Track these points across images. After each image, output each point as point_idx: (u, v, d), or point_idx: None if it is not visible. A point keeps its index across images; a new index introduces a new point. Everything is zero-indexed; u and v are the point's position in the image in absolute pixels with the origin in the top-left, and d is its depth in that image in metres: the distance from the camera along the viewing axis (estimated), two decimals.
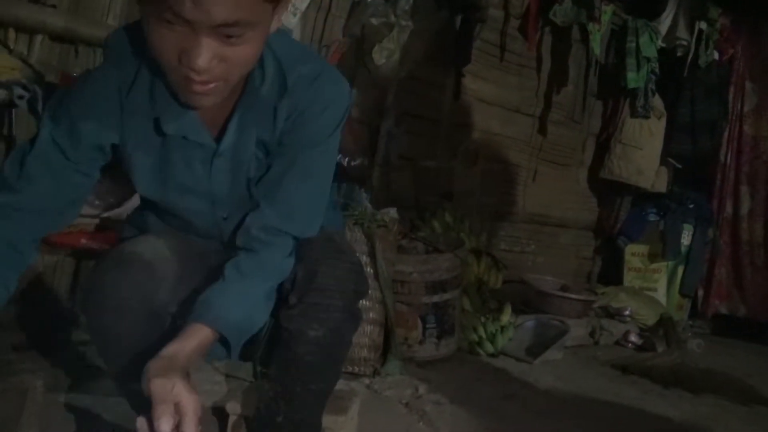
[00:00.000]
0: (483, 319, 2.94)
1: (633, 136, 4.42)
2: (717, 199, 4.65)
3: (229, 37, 0.93)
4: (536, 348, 2.97)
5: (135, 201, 1.44)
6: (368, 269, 2.35)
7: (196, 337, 1.04)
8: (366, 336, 2.36)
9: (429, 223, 3.41)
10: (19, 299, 2.08)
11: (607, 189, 4.73)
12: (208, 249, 1.30)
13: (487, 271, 3.46)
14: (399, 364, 2.40)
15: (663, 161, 4.59)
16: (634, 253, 4.61)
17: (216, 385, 1.80)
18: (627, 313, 3.77)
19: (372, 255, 2.36)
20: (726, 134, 4.63)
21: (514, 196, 4.27)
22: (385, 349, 2.44)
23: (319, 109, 1.15)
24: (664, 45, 4.34)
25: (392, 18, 3.05)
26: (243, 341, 1.12)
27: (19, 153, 1.11)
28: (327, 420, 1.41)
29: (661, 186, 4.65)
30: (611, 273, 4.74)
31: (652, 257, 4.51)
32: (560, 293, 3.46)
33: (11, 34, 2.26)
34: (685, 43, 4.34)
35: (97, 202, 2.10)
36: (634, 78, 4.20)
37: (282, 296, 1.19)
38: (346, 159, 2.70)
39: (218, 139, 1.16)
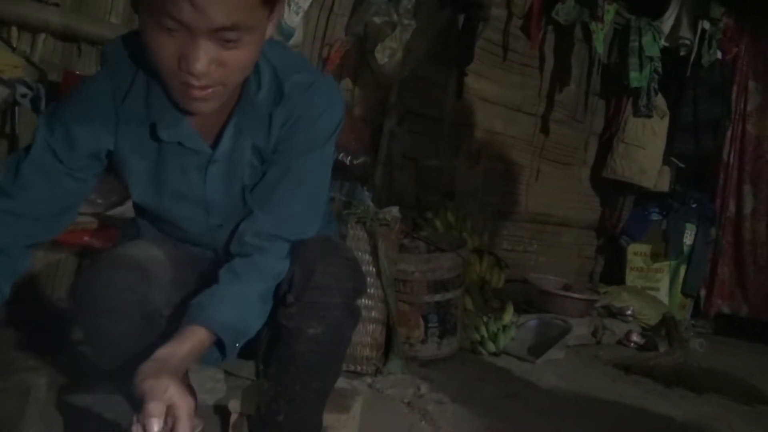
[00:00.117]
0: (485, 319, 2.94)
1: (636, 136, 4.41)
2: (720, 198, 4.65)
3: (227, 41, 0.95)
4: (538, 347, 2.97)
5: None
6: (370, 268, 2.35)
7: (190, 339, 1.04)
8: (368, 335, 2.36)
9: (431, 222, 3.41)
10: (22, 298, 2.08)
11: (609, 188, 4.73)
12: (202, 257, 1.31)
13: (490, 270, 3.46)
14: (401, 363, 2.40)
15: (666, 160, 4.59)
16: (636, 253, 4.61)
17: (218, 384, 1.80)
18: (629, 312, 3.77)
19: (374, 254, 2.36)
20: (729, 133, 4.62)
21: (517, 196, 4.27)
22: (387, 348, 2.44)
23: (313, 116, 1.16)
24: (667, 44, 4.34)
25: (395, 17, 3.04)
26: (239, 343, 1.12)
27: (14, 159, 1.12)
28: (329, 418, 1.41)
29: (664, 185, 4.65)
30: (613, 272, 4.74)
31: (655, 257, 4.51)
32: (562, 292, 3.45)
33: (14, 32, 2.26)
34: (688, 42, 4.34)
35: (99, 201, 2.10)
36: (636, 77, 4.20)
37: (279, 297, 1.19)
38: (349, 157, 2.70)
39: (214, 145, 1.16)
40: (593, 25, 4.02)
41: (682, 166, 4.66)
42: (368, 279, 2.30)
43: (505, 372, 2.70)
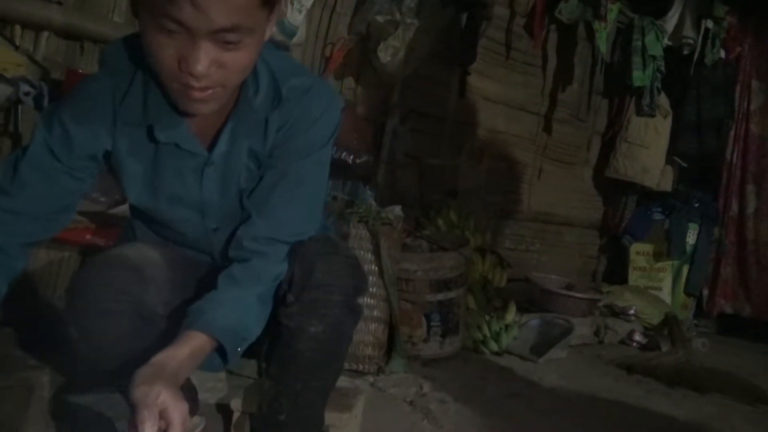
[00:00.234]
0: (487, 318, 2.94)
1: (638, 135, 4.41)
2: (723, 198, 4.64)
3: (227, 43, 0.96)
4: (541, 347, 2.96)
5: None
6: (373, 267, 2.35)
7: (189, 344, 1.03)
8: (370, 334, 2.36)
9: (434, 221, 3.40)
10: (23, 296, 2.09)
11: (612, 188, 4.73)
12: (198, 260, 1.31)
13: (492, 269, 3.46)
14: (403, 362, 2.40)
15: (668, 160, 4.59)
16: (639, 252, 4.60)
17: (220, 382, 1.80)
18: (632, 312, 3.76)
19: (376, 253, 2.36)
20: (732, 133, 4.61)
21: (519, 195, 4.27)
22: (390, 347, 2.44)
23: (310, 121, 1.17)
24: (670, 43, 4.33)
25: (397, 16, 3.04)
26: (240, 348, 1.12)
27: (13, 158, 1.13)
28: (331, 417, 1.41)
29: (667, 185, 4.65)
30: (616, 272, 4.74)
31: (657, 256, 4.51)
32: (565, 292, 3.45)
33: (17, 30, 2.26)
34: (691, 41, 4.33)
35: (102, 199, 2.10)
36: (639, 76, 4.19)
37: (279, 296, 1.19)
38: (351, 156, 2.70)
39: (210, 148, 1.17)
40: (596, 24, 4.01)
41: (685, 165, 4.66)
42: (370, 278, 2.29)
43: (507, 371, 2.70)
